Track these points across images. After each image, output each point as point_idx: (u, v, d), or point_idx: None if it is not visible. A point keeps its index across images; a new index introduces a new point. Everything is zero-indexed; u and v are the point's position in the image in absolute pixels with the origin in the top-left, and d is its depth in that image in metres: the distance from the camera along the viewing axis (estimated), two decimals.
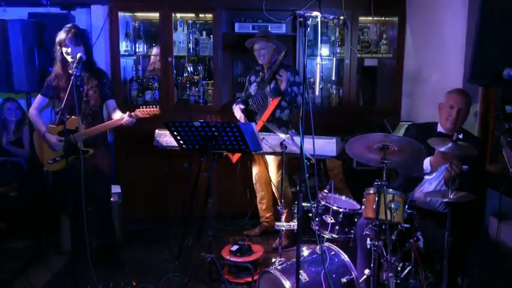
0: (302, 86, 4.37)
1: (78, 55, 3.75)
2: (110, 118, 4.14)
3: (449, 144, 2.87)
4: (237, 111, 4.63)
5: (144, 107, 3.98)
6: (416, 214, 3.19)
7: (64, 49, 3.85)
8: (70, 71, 3.90)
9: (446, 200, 2.89)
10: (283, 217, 4.67)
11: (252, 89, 4.65)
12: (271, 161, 4.64)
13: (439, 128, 3.50)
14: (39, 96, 4.04)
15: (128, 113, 3.96)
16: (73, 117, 3.87)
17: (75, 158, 3.90)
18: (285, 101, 4.46)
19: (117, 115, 4.07)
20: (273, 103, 4.34)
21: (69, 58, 3.86)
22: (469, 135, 3.53)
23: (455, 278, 3.33)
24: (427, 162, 3.34)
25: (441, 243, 3.03)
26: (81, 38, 3.89)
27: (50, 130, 4.01)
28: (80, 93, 3.94)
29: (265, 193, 4.89)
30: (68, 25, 3.97)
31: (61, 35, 3.84)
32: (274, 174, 4.66)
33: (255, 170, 4.89)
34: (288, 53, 4.41)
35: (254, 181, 4.93)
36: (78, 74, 3.92)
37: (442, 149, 2.89)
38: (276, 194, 4.73)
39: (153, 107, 3.98)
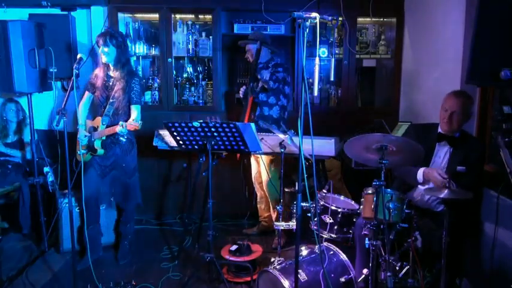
0: (284, 73, 4.56)
1: (78, 56, 3.78)
2: None
3: (446, 191, 2.92)
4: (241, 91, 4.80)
5: (133, 120, 4.01)
6: (414, 214, 3.21)
7: (100, 51, 4.04)
8: (108, 72, 4.16)
9: (442, 195, 2.90)
10: (274, 216, 4.75)
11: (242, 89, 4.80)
12: (263, 159, 4.67)
13: (439, 129, 3.54)
14: (85, 92, 4.29)
15: (121, 122, 3.98)
16: (98, 117, 4.14)
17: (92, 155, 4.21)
18: (273, 97, 4.61)
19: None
20: (249, 101, 4.54)
21: (103, 59, 4.05)
22: (469, 137, 3.56)
23: (453, 278, 3.35)
24: (420, 173, 3.40)
25: (439, 243, 3.06)
26: (110, 39, 4.01)
27: (87, 123, 4.22)
28: (109, 93, 4.10)
29: (264, 193, 4.92)
30: (106, 28, 4.36)
31: (97, 38, 4.06)
32: (264, 172, 4.71)
33: (254, 170, 4.92)
34: (260, 51, 4.53)
35: (253, 181, 4.96)
36: (112, 75, 4.15)
37: (442, 195, 2.91)
38: (265, 192, 4.78)
39: (136, 123, 3.95)
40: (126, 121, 4.10)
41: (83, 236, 4.09)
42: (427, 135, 3.55)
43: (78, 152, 4.19)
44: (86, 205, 3.98)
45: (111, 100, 4.06)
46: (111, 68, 4.13)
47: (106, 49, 4.01)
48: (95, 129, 4.13)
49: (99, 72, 4.20)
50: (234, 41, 5.34)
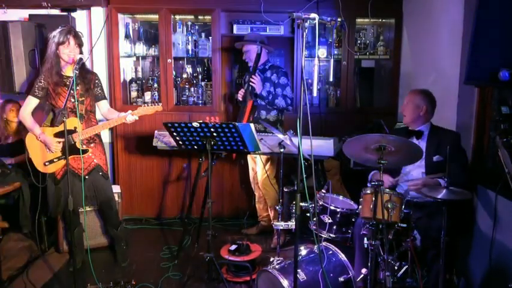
0: (287, 87, 4.54)
1: (78, 56, 3.78)
2: (106, 118, 4.21)
3: (443, 192, 2.97)
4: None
5: (146, 104, 4.01)
6: (412, 213, 3.24)
7: (66, 50, 3.84)
8: (62, 72, 3.94)
9: (440, 196, 2.93)
10: (272, 215, 4.77)
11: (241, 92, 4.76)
12: (259, 159, 4.69)
13: (404, 123, 3.79)
14: (30, 97, 3.93)
15: (130, 111, 4.01)
16: (71, 117, 3.90)
17: (76, 158, 3.99)
18: (265, 103, 4.62)
19: (115, 114, 4.11)
20: (248, 104, 4.53)
21: (65, 58, 3.86)
22: (441, 130, 3.69)
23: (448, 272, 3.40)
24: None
25: (434, 235, 3.16)
26: (80, 39, 3.93)
27: (45, 132, 3.97)
28: (73, 93, 3.94)
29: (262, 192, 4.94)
30: (65, 26, 3.97)
31: (61, 36, 3.83)
32: (260, 172, 4.74)
33: (252, 170, 4.94)
34: (260, 55, 4.57)
35: (251, 181, 4.98)
36: (71, 75, 3.91)
37: (439, 196, 2.95)
38: (262, 191, 4.82)
39: (155, 104, 4.02)
40: (95, 118, 4.14)
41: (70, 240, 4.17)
42: (401, 132, 3.67)
43: (47, 163, 3.98)
44: (70, 212, 3.74)
45: (80, 99, 3.95)
46: (67, 67, 3.94)
47: (77, 49, 3.87)
48: (71, 131, 3.91)
49: (51, 74, 3.89)
50: (234, 41, 5.36)
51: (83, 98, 3.99)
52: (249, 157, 4.90)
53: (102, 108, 4.18)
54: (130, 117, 3.96)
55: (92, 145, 4.09)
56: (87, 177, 4.05)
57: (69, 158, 3.87)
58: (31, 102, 3.95)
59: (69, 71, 3.97)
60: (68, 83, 3.93)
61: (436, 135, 3.62)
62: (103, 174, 4.17)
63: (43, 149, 3.99)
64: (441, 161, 3.23)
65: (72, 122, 3.91)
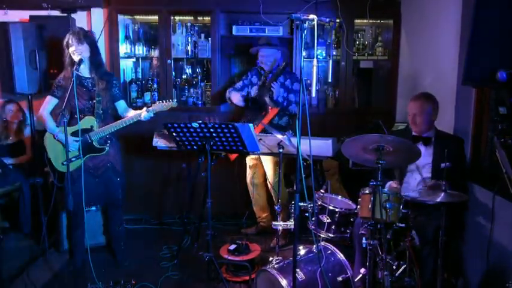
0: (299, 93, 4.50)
1: (78, 57, 3.79)
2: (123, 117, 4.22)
3: (442, 195, 3.00)
4: (237, 97, 4.72)
5: (159, 102, 4.06)
6: (411, 213, 3.26)
7: (70, 49, 3.86)
8: (79, 73, 3.94)
9: (438, 199, 2.97)
10: (280, 217, 4.76)
11: (253, 91, 4.64)
12: (268, 161, 4.69)
13: (413, 132, 3.72)
14: (49, 97, 4.00)
15: (145, 108, 4.04)
16: (87, 117, 3.96)
17: (91, 157, 4.02)
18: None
19: (131, 113, 4.14)
20: (272, 111, 4.49)
21: (75, 57, 3.86)
22: (445, 135, 3.70)
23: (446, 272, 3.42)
24: (387, 187, 3.59)
25: (431, 234, 3.21)
26: (84, 37, 3.91)
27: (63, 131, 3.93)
28: (91, 93, 3.99)
29: (259, 194, 4.95)
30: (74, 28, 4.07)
31: (66, 37, 3.89)
32: (271, 174, 4.72)
33: (249, 172, 4.95)
34: (288, 64, 4.57)
35: (248, 182, 4.99)
36: (89, 76, 4.01)
37: (438, 199, 3.00)
38: (272, 194, 4.80)
39: (168, 101, 4.06)
40: (112, 118, 4.15)
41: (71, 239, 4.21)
42: (405, 137, 3.64)
43: (64, 163, 3.78)
44: (78, 210, 3.86)
45: (97, 98, 3.99)
46: (83, 67, 3.95)
47: (80, 47, 3.87)
48: (87, 130, 3.96)
49: (68, 74, 3.93)
50: (233, 42, 5.38)
51: (100, 98, 4.01)
52: (248, 158, 4.90)
53: (120, 108, 4.22)
54: (145, 114, 3.99)
55: (108, 144, 4.11)
56: (100, 176, 4.10)
57: (86, 156, 3.99)
58: (50, 102, 4.00)
59: (84, 71, 4.01)
60: (85, 83, 3.99)
61: (442, 141, 3.60)
62: (116, 173, 4.19)
63: (61, 149, 3.97)
64: (448, 168, 3.24)
65: (89, 121, 3.97)
